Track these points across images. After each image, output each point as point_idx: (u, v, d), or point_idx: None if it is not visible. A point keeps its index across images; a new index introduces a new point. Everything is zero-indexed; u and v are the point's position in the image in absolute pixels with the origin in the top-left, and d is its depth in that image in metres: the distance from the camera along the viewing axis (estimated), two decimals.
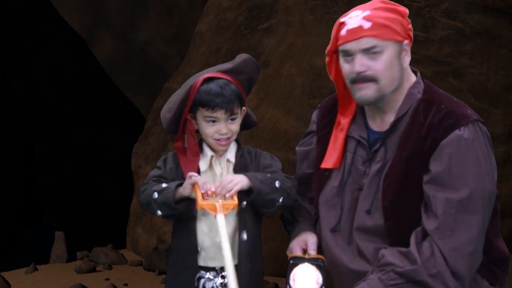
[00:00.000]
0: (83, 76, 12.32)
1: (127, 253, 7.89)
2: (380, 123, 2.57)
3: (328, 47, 2.58)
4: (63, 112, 12.18)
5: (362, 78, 2.47)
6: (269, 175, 2.64)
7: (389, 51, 2.46)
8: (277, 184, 2.60)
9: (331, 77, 2.63)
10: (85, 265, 7.01)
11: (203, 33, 8.04)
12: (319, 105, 2.79)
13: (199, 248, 2.67)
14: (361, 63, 2.46)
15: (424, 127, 2.46)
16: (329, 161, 2.61)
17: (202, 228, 2.68)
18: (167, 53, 11.66)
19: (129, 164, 8.37)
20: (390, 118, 2.55)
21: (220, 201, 2.52)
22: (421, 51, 6.03)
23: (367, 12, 2.46)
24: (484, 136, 2.47)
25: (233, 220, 2.65)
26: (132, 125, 11.85)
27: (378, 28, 2.44)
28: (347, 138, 2.62)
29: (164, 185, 2.62)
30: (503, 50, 6.13)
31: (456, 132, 2.42)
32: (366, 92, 2.48)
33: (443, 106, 2.48)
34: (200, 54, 7.97)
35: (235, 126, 2.67)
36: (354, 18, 2.47)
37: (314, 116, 2.78)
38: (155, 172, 2.73)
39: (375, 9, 2.48)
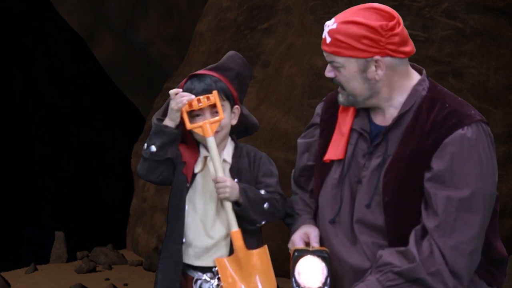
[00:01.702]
0: (83, 76, 12.31)
1: (127, 253, 7.89)
2: (383, 118, 2.57)
3: None
4: (63, 112, 12.17)
5: (334, 82, 2.56)
6: (262, 192, 2.64)
7: (349, 67, 2.49)
8: (265, 206, 2.63)
9: None
10: (85, 265, 7.01)
11: (203, 33, 8.04)
12: (323, 99, 2.81)
13: (184, 239, 2.67)
14: (328, 69, 2.55)
15: (427, 124, 2.46)
16: (333, 153, 2.62)
17: (189, 223, 2.69)
18: (167, 53, 11.66)
19: (129, 164, 8.37)
20: (393, 113, 2.55)
21: (207, 123, 2.60)
22: (421, 51, 6.03)
23: (333, 26, 2.49)
24: (487, 137, 2.47)
25: (225, 228, 2.67)
26: (132, 125, 11.84)
27: (336, 45, 2.48)
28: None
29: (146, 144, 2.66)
30: (503, 50, 6.13)
31: (460, 131, 2.42)
32: (340, 96, 2.58)
33: (447, 105, 2.48)
34: (200, 54, 7.97)
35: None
36: (326, 27, 2.53)
37: (319, 108, 2.78)
38: None
39: (344, 22, 2.47)
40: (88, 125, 12.30)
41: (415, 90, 2.53)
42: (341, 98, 2.57)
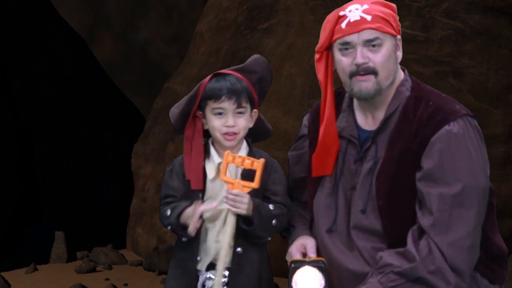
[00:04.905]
0: (83, 76, 12.31)
1: (127, 253, 7.89)
2: (371, 121, 2.58)
3: (321, 43, 2.58)
4: (63, 112, 12.17)
5: (362, 70, 2.49)
6: (271, 207, 2.63)
7: (387, 44, 2.50)
8: (273, 222, 2.63)
9: (319, 76, 2.65)
10: (85, 265, 7.01)
11: (203, 33, 8.04)
12: (309, 110, 2.81)
13: (199, 258, 2.67)
14: (362, 55, 2.49)
15: (413, 124, 2.47)
16: (320, 169, 2.62)
17: (211, 236, 2.68)
18: (167, 53, 11.65)
19: (129, 164, 8.37)
20: (380, 115, 2.56)
21: (240, 181, 2.56)
22: (421, 51, 6.03)
23: (365, 6, 2.50)
24: (474, 130, 2.47)
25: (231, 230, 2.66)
26: (132, 125, 11.84)
27: (378, 21, 2.48)
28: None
29: (168, 212, 2.63)
30: (503, 50, 6.13)
31: (446, 127, 2.43)
32: (366, 84, 2.50)
33: (431, 103, 2.49)
34: (200, 54, 7.97)
35: (242, 120, 2.64)
36: (354, 12, 2.50)
37: (305, 120, 2.79)
38: (165, 191, 2.72)
39: (372, 3, 2.52)
40: (88, 125, 12.30)
41: (398, 91, 2.55)
42: (369, 85, 2.50)
